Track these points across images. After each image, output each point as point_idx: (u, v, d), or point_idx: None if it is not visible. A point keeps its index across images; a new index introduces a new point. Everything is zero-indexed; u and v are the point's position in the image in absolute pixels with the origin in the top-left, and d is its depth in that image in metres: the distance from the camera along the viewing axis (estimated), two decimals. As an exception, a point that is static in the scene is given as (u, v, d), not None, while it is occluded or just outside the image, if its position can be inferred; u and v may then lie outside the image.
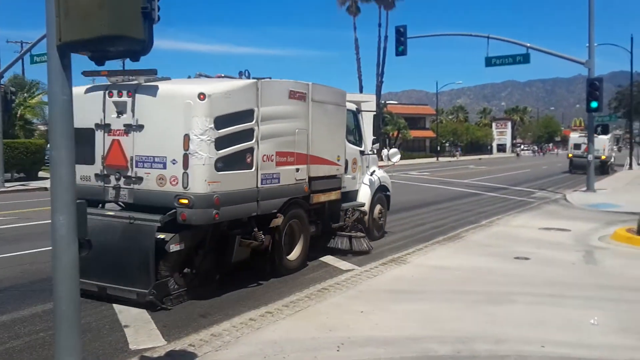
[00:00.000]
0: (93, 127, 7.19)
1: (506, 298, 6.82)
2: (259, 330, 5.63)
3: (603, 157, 35.24)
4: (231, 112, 6.87)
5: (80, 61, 3.72)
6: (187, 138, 6.55)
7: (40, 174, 27.66)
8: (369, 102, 58.90)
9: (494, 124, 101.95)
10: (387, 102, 78.04)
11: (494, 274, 8.13)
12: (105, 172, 7.19)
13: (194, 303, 6.91)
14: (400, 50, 24.82)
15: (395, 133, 67.43)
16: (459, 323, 5.85)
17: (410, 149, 72.64)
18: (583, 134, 35.63)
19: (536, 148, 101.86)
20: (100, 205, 7.51)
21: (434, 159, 64.00)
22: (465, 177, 31.18)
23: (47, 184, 19.42)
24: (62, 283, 3.58)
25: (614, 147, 45.79)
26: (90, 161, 7.21)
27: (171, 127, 6.66)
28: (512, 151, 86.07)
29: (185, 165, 6.58)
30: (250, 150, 7.21)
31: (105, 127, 7.14)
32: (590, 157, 22.36)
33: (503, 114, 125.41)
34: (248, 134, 7.16)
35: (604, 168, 35.50)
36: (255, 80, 7.40)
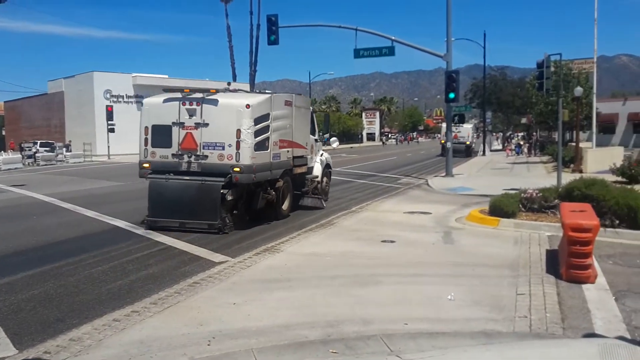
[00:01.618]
0: (170, 124, 11.27)
1: (373, 280, 7.13)
2: (124, 331, 5.32)
3: (467, 143, 44.88)
4: (261, 115, 11.22)
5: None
6: (239, 131, 10.87)
7: None
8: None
9: (363, 114, 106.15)
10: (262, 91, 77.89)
11: (362, 258, 8.47)
12: (179, 153, 11.26)
13: (48, 308, 6.37)
14: (272, 40, 24.81)
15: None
16: (329, 308, 6.00)
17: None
18: (453, 125, 43.51)
19: (400, 136, 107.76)
20: (171, 174, 11.29)
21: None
22: (338, 166, 32.16)
23: None
24: None
25: (475, 134, 54.99)
26: (168, 145, 11.31)
27: (228, 124, 10.92)
28: (380, 140, 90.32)
29: (238, 147, 10.89)
30: (267, 138, 11.47)
31: (180, 124, 11.23)
32: (448, 144, 24.18)
33: (372, 104, 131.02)
34: (267, 128, 11.43)
35: (468, 152, 44.92)
36: (270, 94, 12.00)
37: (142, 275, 7.83)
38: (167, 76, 55.44)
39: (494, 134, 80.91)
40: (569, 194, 10.88)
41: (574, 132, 33.05)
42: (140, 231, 11.10)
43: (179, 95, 11.37)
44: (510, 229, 10.78)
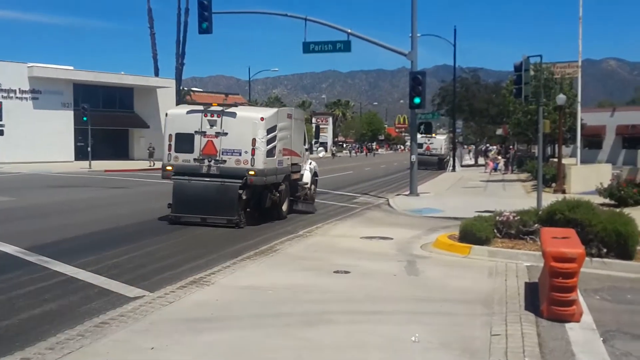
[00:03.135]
0: (192, 132, 15.19)
1: (324, 318, 7.14)
2: (12, 384, 5.10)
3: (440, 155, 49.87)
4: (271, 126, 15.38)
5: None
6: (254, 140, 14.91)
7: None
8: (168, 88, 57.93)
9: (313, 119, 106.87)
10: (191, 89, 77.26)
11: (311, 292, 8.47)
12: (200, 158, 15.16)
13: None
14: (205, 28, 24.71)
15: (200, 127, 66.92)
16: (270, 353, 5.96)
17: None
18: (425, 136, 48.72)
19: (355, 147, 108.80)
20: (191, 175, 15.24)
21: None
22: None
23: None
24: None
25: (450, 146, 57.24)
26: (190, 151, 15.18)
27: (245, 134, 14.99)
28: (330, 151, 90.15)
29: (253, 153, 14.90)
30: (275, 147, 15.58)
31: (202, 133, 15.16)
32: (413, 157, 24.61)
33: (324, 108, 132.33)
34: (274, 138, 15.57)
35: (441, 165, 50.05)
36: (277, 109, 17.03)
37: (36, 313, 7.55)
38: (72, 67, 54.20)
39: (465, 146, 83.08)
40: (551, 217, 11.27)
41: (556, 146, 34.36)
42: (34, 258, 10.74)
43: (201, 107, 15.58)
44: (483, 257, 11.05)
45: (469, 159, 70.04)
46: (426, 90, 23.77)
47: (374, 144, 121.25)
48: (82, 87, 51.99)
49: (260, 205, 15.82)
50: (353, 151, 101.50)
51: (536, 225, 11.60)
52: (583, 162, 32.63)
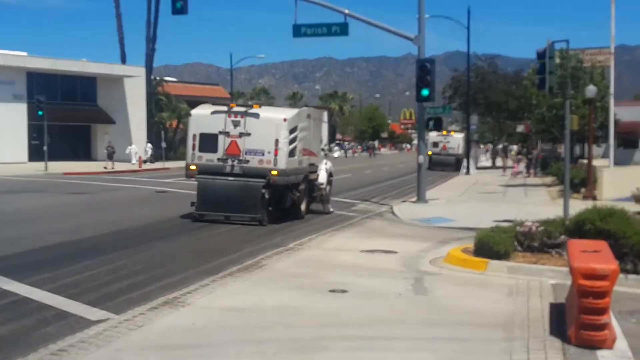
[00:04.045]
0: (217, 133, 17.64)
1: (317, 345, 7.14)
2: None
3: (458, 155, 52.76)
4: (293, 127, 17.82)
5: None
6: (277, 140, 17.29)
7: None
8: (137, 78, 57.82)
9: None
10: (163, 78, 77.17)
11: (302, 314, 8.47)
12: (224, 157, 17.57)
13: None
14: (179, 7, 24.76)
15: (174, 123, 66.72)
16: (255, 385, 5.94)
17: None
18: (441, 134, 52.42)
19: (352, 146, 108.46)
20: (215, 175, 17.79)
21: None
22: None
23: None
24: None
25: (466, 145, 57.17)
26: (214, 151, 17.66)
27: (268, 134, 17.37)
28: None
29: (276, 153, 17.23)
30: (296, 147, 17.97)
31: (226, 133, 17.59)
32: (421, 158, 24.62)
33: (318, 100, 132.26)
34: (295, 139, 17.96)
35: (459, 165, 51.21)
36: (298, 110, 19.50)
37: (-17, 339, 7.51)
38: (25, 53, 54.15)
39: (482, 145, 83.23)
40: (579, 228, 11.29)
41: (586, 145, 34.45)
42: (-18, 276, 10.68)
43: (225, 108, 18.09)
44: (502, 274, 11.06)
45: (484, 160, 70.17)
46: (436, 81, 23.83)
47: (376, 142, 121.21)
48: (37, 76, 51.89)
49: (281, 205, 18.25)
50: (350, 151, 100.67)
51: (563, 236, 11.63)
52: (617, 163, 32.64)
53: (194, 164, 17.86)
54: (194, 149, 17.86)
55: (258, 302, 9.05)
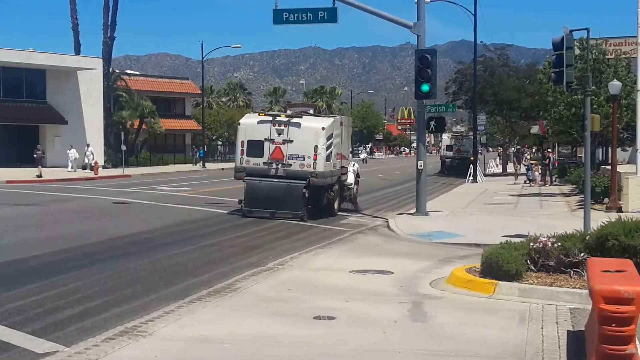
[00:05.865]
0: (263, 140, 23.71)
1: (300, 381, 7.12)
2: None
3: (472, 158, 53.31)
4: (329, 134, 24.07)
5: None
6: (316, 147, 23.42)
7: None
8: (93, 71, 57.65)
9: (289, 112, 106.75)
10: (124, 71, 77.05)
11: (282, 345, 8.45)
12: (269, 161, 23.56)
13: None
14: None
15: (136, 123, 66.37)
16: None
17: (161, 149, 72.16)
18: (454, 136, 56.76)
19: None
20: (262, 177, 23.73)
21: (198, 166, 64.41)
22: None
23: None
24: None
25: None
26: (260, 156, 23.67)
27: (308, 141, 23.56)
28: None
29: (315, 158, 23.37)
30: (331, 152, 24.07)
31: (271, 140, 23.66)
32: (420, 164, 24.63)
33: (303, 96, 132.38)
34: (331, 145, 24.09)
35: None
36: (333, 118, 26.01)
37: None
38: (-36, 43, 53.93)
39: (491, 149, 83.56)
40: (602, 244, 11.34)
41: (610, 149, 34.60)
42: None
43: (270, 118, 23.96)
44: (513, 298, 11.08)
45: (494, 166, 70.47)
46: (438, 75, 23.88)
47: (369, 145, 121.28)
48: (-24, 69, 51.70)
49: (319, 203, 23.97)
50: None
51: (582, 254, 11.67)
52: (645, 170, 32.79)
53: (242, 168, 23.48)
54: (242, 154, 23.55)
55: (231, 330, 9.02)
